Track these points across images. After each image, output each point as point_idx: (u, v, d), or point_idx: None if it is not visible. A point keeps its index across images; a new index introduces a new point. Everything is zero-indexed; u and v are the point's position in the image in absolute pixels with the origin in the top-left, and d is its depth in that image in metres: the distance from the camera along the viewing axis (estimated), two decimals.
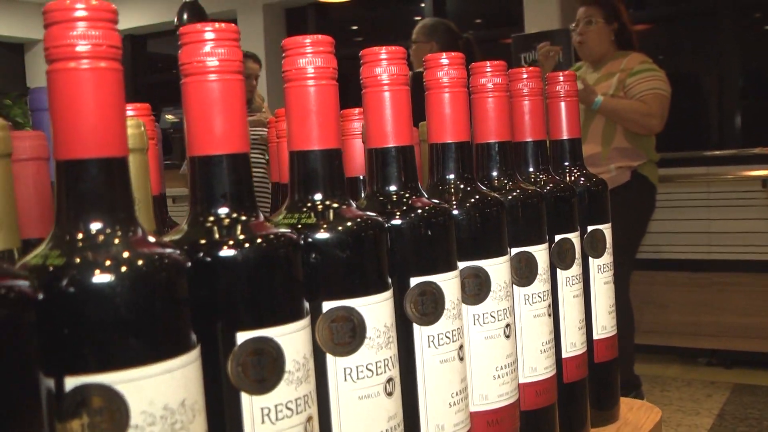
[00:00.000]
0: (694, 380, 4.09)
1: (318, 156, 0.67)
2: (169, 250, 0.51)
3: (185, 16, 7.31)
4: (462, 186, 0.85)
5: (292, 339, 0.57)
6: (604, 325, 1.12)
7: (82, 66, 0.49)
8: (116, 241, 0.49)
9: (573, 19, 6.71)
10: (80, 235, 0.49)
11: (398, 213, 0.74)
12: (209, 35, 0.59)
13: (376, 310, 0.66)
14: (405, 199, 0.76)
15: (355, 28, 8.50)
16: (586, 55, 3.43)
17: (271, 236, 0.58)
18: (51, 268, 0.48)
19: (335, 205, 0.67)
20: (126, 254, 0.48)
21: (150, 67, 9.00)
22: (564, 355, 1.02)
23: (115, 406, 0.46)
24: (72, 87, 0.49)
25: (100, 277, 0.47)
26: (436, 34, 3.73)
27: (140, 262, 0.49)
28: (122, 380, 0.46)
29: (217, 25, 0.59)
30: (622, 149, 3.21)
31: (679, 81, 3.39)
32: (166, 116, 7.36)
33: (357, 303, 0.65)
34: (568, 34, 5.12)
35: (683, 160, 4.44)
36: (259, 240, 0.57)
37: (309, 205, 0.67)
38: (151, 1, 8.30)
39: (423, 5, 7.47)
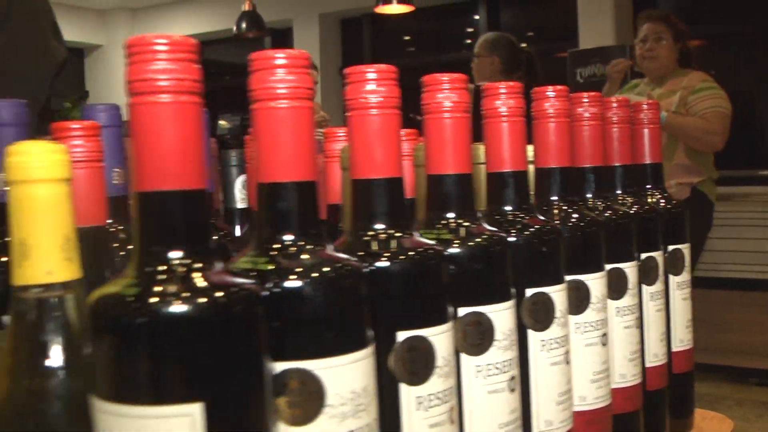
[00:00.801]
0: (745, 400, 4.11)
1: (452, 179, 0.77)
2: (348, 258, 0.60)
3: (244, 25, 7.47)
4: (565, 207, 0.94)
5: (441, 339, 0.66)
6: (682, 339, 1.19)
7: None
8: (306, 252, 0.59)
9: (626, 34, 6.73)
10: (278, 246, 0.59)
11: (514, 230, 0.83)
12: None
13: (502, 316, 0.75)
14: (520, 218, 0.85)
15: (407, 38, 8.61)
16: (653, 70, 3.48)
17: (422, 249, 0.68)
18: (259, 273, 0.57)
19: (466, 223, 0.76)
20: (318, 262, 0.58)
21: (205, 74, 9.20)
22: (647, 364, 1.10)
23: (314, 387, 0.55)
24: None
25: (298, 282, 0.57)
26: (499, 48, 3.80)
27: (327, 269, 0.58)
28: (321, 367, 0.56)
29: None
30: (682, 165, 3.27)
31: (732, 99, 3.44)
32: (220, 122, 7.47)
33: (487, 309, 0.74)
34: (624, 51, 5.16)
35: (738, 179, 4.46)
36: (412, 253, 0.67)
37: (443, 222, 0.76)
38: (206, 10, 8.50)
39: (477, 17, 7.55)
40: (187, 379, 0.47)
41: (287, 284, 0.56)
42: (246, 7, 7.01)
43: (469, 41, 8.27)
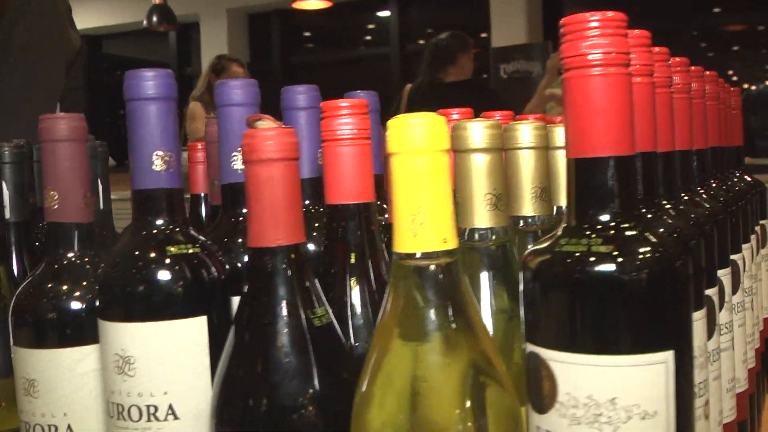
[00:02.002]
0: None
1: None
2: None
3: (154, 18, 7.29)
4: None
5: None
6: None
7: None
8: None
9: (537, 32, 6.94)
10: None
11: None
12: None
13: None
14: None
15: (309, 34, 8.61)
16: None
17: None
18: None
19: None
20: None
21: (105, 68, 8.95)
22: None
23: None
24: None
25: None
26: None
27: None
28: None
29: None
30: None
31: None
32: None
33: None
34: (546, 48, 5.37)
35: None
36: None
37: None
38: (106, 3, 8.24)
39: (389, 14, 7.64)
40: (664, 328, 0.51)
41: None
42: (156, 0, 6.86)
43: (369, 38, 8.36)
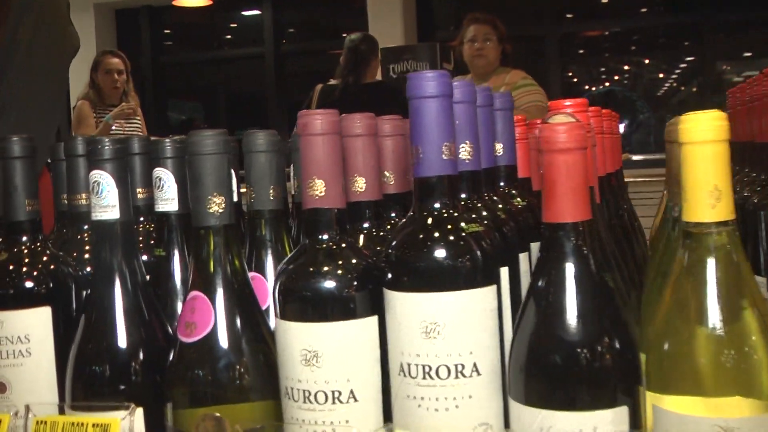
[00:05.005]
0: None
1: None
2: None
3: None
4: None
5: None
6: None
7: None
8: None
9: (413, 35, 7.18)
10: None
11: None
12: None
13: None
14: None
15: (178, 32, 8.49)
16: (482, 67, 3.94)
17: None
18: None
19: None
20: None
21: None
22: None
23: None
24: None
25: None
26: None
27: None
28: None
29: None
30: None
31: None
32: None
33: None
34: (434, 49, 5.58)
35: None
36: None
37: None
38: None
39: (262, 13, 7.66)
40: None
41: None
42: None
43: (242, 37, 8.34)
